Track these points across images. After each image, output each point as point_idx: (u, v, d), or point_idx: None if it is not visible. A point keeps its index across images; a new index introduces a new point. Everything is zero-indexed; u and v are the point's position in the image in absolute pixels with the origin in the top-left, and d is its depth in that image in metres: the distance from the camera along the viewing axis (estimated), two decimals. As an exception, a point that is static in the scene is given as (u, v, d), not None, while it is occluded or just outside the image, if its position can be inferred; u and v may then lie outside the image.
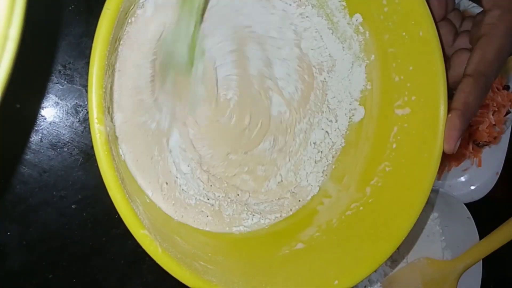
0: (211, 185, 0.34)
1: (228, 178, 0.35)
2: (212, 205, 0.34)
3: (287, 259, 0.33)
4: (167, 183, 0.32)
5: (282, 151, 0.37)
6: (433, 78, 0.32)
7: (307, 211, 0.37)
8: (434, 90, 0.32)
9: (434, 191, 0.49)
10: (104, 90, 0.24)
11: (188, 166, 0.33)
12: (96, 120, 0.23)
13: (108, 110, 0.28)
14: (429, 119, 0.32)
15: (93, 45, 0.23)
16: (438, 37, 0.32)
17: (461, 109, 0.31)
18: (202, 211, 0.33)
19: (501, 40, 0.30)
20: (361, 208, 0.35)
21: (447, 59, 0.34)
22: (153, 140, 0.32)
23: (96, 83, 0.23)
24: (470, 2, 0.47)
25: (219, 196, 0.34)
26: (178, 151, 0.33)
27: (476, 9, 0.47)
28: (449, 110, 0.31)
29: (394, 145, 0.35)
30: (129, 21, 0.29)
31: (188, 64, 0.33)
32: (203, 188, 0.34)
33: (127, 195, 0.24)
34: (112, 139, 0.28)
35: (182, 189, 0.33)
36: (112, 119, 0.30)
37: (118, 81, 0.30)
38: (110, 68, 0.27)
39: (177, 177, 0.33)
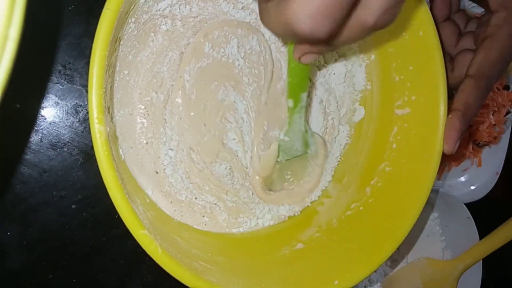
0: (191, 183, 0.33)
1: (202, 186, 0.34)
2: (204, 206, 0.33)
3: (287, 259, 0.33)
4: (157, 172, 0.32)
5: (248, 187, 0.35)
6: (433, 78, 0.32)
7: (307, 211, 0.37)
8: (434, 90, 0.32)
9: (434, 191, 0.49)
10: (104, 90, 0.24)
11: (172, 150, 0.32)
12: (96, 120, 0.23)
13: (108, 110, 0.28)
14: (429, 119, 0.32)
15: (93, 45, 0.23)
16: (438, 37, 0.31)
17: (461, 110, 0.30)
18: (195, 210, 0.33)
19: (506, 42, 0.30)
20: (361, 208, 0.35)
21: (451, 60, 0.34)
22: (154, 117, 0.31)
23: (96, 83, 0.23)
24: (470, 2, 0.47)
25: (206, 198, 0.34)
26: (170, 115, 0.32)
27: (476, 9, 0.47)
28: (450, 110, 0.31)
29: (394, 145, 0.35)
30: (132, 20, 0.29)
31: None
32: (187, 182, 0.33)
33: (127, 195, 0.24)
34: (112, 139, 0.28)
35: (171, 182, 0.32)
36: (112, 119, 0.30)
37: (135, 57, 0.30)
38: (110, 68, 0.27)
39: (164, 165, 0.32)
